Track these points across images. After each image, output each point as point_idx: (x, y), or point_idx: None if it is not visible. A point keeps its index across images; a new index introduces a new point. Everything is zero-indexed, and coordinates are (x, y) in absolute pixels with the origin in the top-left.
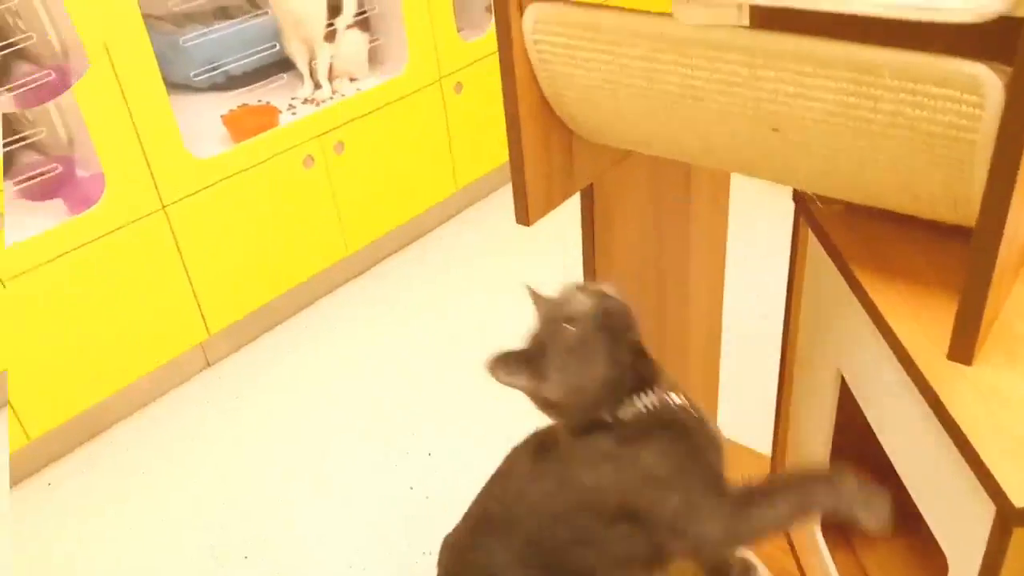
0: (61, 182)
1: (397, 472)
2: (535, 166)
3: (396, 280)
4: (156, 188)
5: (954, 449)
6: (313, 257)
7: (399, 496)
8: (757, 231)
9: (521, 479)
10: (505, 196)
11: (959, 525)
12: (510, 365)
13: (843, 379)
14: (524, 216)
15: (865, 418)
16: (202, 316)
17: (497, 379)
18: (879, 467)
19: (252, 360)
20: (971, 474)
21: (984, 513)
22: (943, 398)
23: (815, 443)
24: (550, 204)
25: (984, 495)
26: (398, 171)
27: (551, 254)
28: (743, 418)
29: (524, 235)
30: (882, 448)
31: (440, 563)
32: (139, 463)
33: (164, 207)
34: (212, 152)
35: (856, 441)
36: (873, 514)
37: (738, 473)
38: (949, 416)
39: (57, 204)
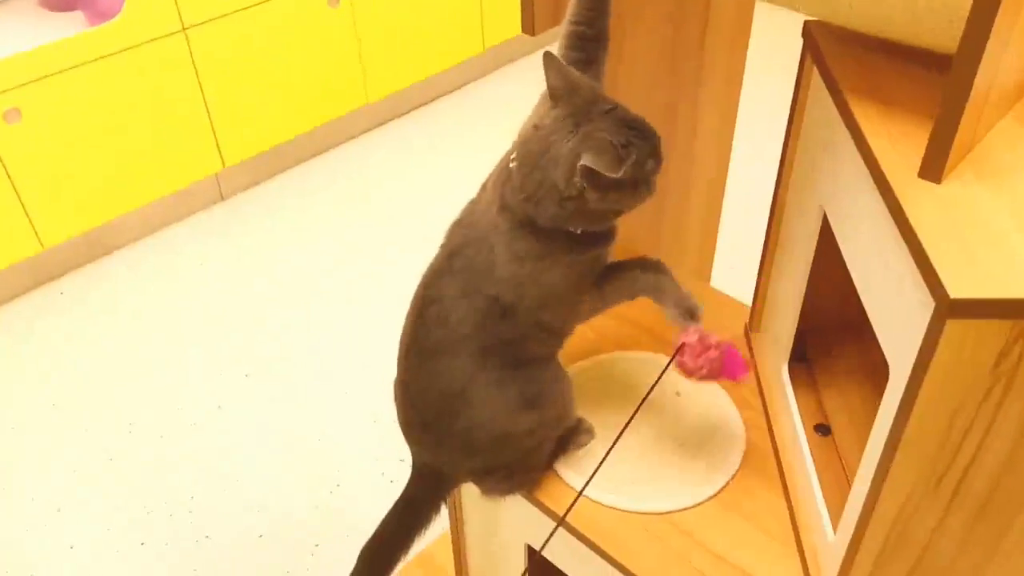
0: None
1: (400, 311)
2: None
3: (414, 134)
4: (178, 9)
5: (907, 252)
6: (333, 101)
7: (396, 332)
8: (773, 86)
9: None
10: (534, 63)
11: (903, 325)
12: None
13: (824, 222)
14: (530, 25)
15: (840, 274)
16: (218, 147)
17: (552, 73)
18: (850, 325)
19: (265, 197)
20: (918, 274)
21: (925, 309)
22: (904, 205)
23: (790, 291)
24: (558, 14)
25: (926, 292)
26: (425, 22)
27: None
28: (735, 269)
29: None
30: (853, 306)
31: (395, 398)
32: (148, 283)
33: (184, 29)
34: None
35: (829, 297)
36: (679, 313)
37: (718, 322)
38: (905, 219)
39: (76, 16)
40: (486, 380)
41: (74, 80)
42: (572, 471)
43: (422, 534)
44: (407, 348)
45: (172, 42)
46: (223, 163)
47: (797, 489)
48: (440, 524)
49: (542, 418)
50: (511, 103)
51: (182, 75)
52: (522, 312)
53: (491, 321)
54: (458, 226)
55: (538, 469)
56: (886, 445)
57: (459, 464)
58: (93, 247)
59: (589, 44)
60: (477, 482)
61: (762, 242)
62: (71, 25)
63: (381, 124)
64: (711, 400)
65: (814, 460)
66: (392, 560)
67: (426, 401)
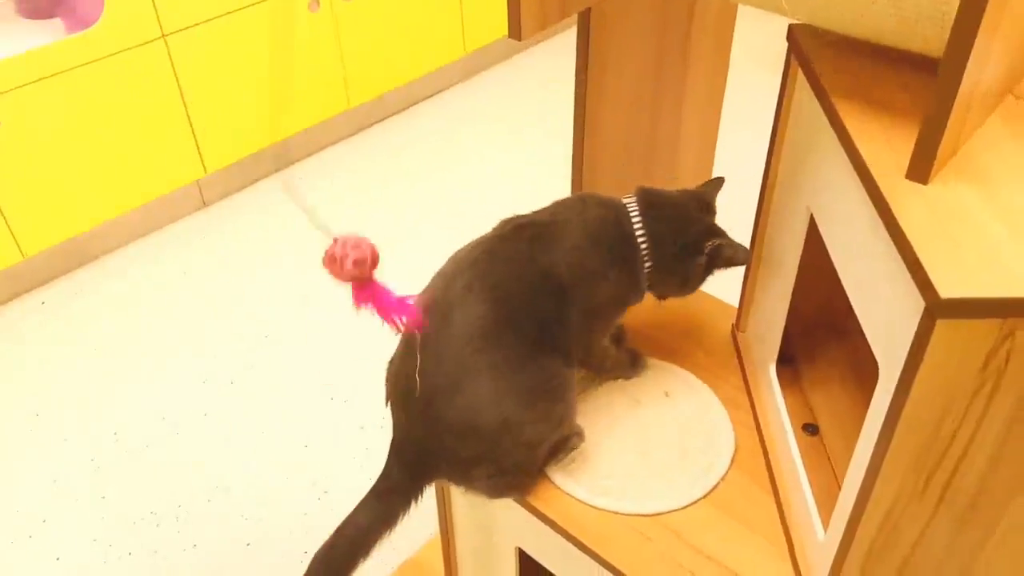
0: (59, 1)
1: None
2: None
3: (396, 139)
4: (157, 16)
5: (896, 253)
6: (315, 106)
7: (389, 338)
8: (759, 87)
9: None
10: (516, 66)
11: (892, 326)
12: None
13: (811, 224)
14: (516, 30)
15: (826, 275)
16: (199, 154)
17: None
18: (834, 327)
19: (248, 203)
20: (907, 274)
21: (914, 309)
22: (892, 206)
23: (777, 292)
24: (544, 20)
25: (916, 292)
26: (406, 26)
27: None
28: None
29: (529, 107)
30: (839, 306)
31: (387, 379)
32: (131, 291)
33: (164, 36)
34: None
35: (816, 298)
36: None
37: (707, 323)
38: (895, 220)
39: (55, 23)
40: (504, 357)
41: (53, 88)
42: (562, 474)
43: (388, 534)
44: (428, 307)
45: (152, 49)
46: (205, 169)
47: (787, 489)
48: (430, 528)
49: (548, 413)
50: (492, 107)
51: (162, 82)
52: (574, 299)
53: (542, 296)
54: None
55: (530, 474)
56: (876, 445)
57: (450, 449)
58: (74, 256)
59: None
60: (461, 477)
61: (748, 243)
62: (50, 33)
63: (363, 128)
64: (700, 400)
65: (803, 459)
66: (351, 562)
67: (438, 365)
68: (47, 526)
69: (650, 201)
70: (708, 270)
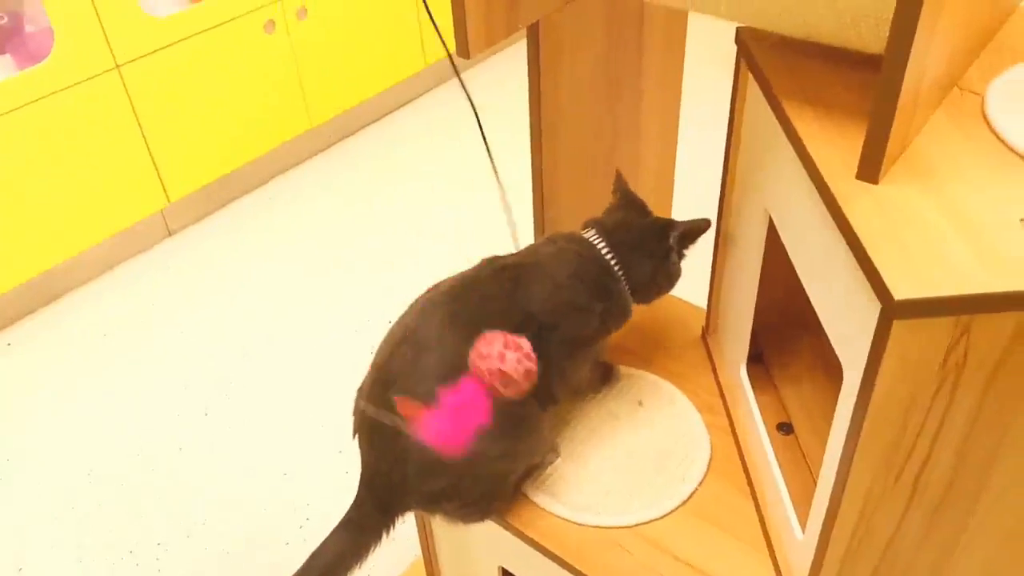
0: (8, 36)
1: (356, 339)
2: None
3: (361, 157)
4: (109, 46)
5: (850, 255)
6: (276, 128)
7: (360, 362)
8: (717, 89)
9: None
10: (480, 76)
11: (853, 329)
12: None
13: (772, 224)
14: (464, 49)
15: (790, 274)
16: (162, 183)
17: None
18: (801, 323)
19: (214, 230)
20: (862, 276)
21: (871, 311)
22: (844, 208)
23: (742, 292)
24: (491, 36)
25: (872, 294)
26: (364, 42)
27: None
28: (687, 272)
29: (495, 115)
30: (805, 303)
31: (354, 411)
32: (100, 327)
33: (118, 66)
34: (167, 11)
35: (781, 295)
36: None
37: (678, 328)
38: (847, 223)
39: (5, 60)
40: None
41: (6, 125)
42: (540, 491)
43: (358, 566)
44: (399, 340)
45: (106, 80)
46: (168, 199)
47: (764, 490)
48: (415, 550)
49: (513, 450)
50: (457, 117)
51: (118, 113)
52: (559, 335)
53: (520, 335)
54: (505, 257)
55: (503, 499)
56: (845, 443)
57: (416, 484)
58: (39, 294)
59: None
60: (431, 508)
61: (710, 240)
62: None
63: (327, 147)
64: (674, 407)
65: (778, 460)
66: None
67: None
68: (23, 574)
69: (605, 228)
70: (681, 256)
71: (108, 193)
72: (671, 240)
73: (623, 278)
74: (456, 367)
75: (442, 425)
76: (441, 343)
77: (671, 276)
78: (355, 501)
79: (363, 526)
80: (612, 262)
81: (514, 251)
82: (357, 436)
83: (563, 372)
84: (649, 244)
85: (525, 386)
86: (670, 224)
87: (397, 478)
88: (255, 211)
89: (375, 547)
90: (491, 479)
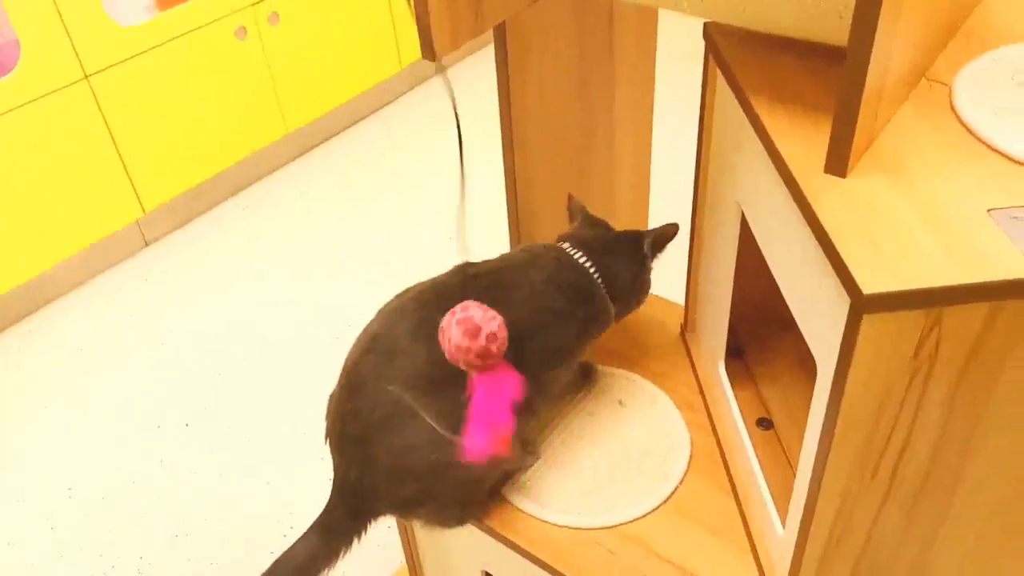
0: None
1: (337, 346)
2: None
3: (338, 161)
4: (77, 56)
5: (819, 249)
6: (251, 134)
7: (336, 365)
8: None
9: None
10: (455, 76)
11: (824, 324)
12: None
13: (744, 219)
14: (430, 51)
15: (765, 268)
16: (136, 194)
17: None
18: (779, 318)
19: (191, 239)
20: (832, 271)
21: (841, 306)
22: (812, 203)
23: (718, 287)
24: (456, 39)
25: (841, 289)
26: (337, 46)
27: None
28: (665, 268)
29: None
30: (777, 299)
31: (327, 416)
32: (77, 340)
33: (87, 77)
34: (136, 20)
35: (758, 290)
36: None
37: (657, 326)
38: (815, 217)
39: None
40: (444, 402)
41: None
42: (520, 494)
43: (328, 570)
44: (367, 347)
45: (75, 91)
46: (143, 209)
47: (744, 487)
48: (397, 557)
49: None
50: (435, 118)
51: (90, 124)
52: (528, 351)
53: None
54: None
55: (479, 503)
56: (821, 437)
57: (386, 490)
58: (13, 309)
59: None
60: (404, 514)
61: (688, 240)
62: None
63: (304, 153)
64: (654, 406)
65: (758, 455)
66: None
67: (374, 405)
68: None
69: (579, 239)
70: (651, 262)
71: (81, 205)
72: (645, 248)
73: (602, 284)
74: (423, 374)
75: (482, 429)
76: (409, 350)
77: (646, 285)
78: (327, 505)
79: (334, 530)
80: (590, 268)
81: (485, 259)
82: (328, 441)
83: (542, 385)
84: (624, 252)
85: (494, 349)
86: (641, 233)
87: (367, 484)
88: (233, 219)
89: (346, 551)
90: (462, 484)
